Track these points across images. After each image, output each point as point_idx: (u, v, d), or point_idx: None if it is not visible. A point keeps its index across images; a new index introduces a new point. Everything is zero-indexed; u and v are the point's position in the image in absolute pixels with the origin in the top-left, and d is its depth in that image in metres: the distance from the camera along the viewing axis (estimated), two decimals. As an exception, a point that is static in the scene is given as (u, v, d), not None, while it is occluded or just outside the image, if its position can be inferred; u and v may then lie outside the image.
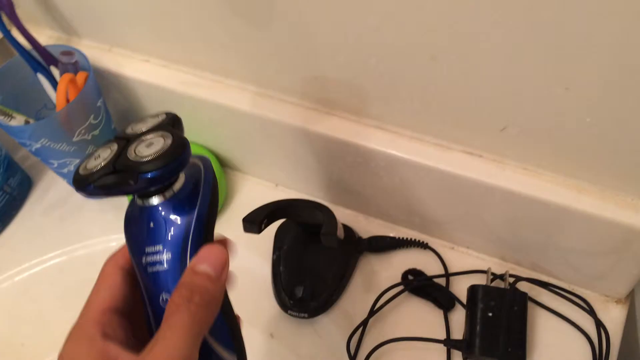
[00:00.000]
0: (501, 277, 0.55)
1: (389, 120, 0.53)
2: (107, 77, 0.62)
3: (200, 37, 0.55)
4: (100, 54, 0.62)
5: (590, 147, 0.45)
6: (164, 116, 0.36)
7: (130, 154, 0.31)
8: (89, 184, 0.31)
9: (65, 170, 0.61)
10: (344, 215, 0.64)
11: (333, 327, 0.56)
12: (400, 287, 0.56)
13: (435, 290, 0.56)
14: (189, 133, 0.65)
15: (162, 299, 0.33)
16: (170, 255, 0.33)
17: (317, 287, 0.56)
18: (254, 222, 0.48)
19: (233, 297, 0.53)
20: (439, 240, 0.61)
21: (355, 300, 0.58)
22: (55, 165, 0.60)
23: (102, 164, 0.32)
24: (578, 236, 0.51)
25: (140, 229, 0.33)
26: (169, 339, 0.28)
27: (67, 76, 0.56)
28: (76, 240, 0.65)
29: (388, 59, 0.46)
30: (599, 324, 0.53)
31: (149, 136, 0.32)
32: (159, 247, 0.33)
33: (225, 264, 0.32)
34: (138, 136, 0.33)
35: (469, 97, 0.46)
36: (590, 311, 0.54)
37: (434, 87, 0.47)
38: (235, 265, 0.60)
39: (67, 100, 0.56)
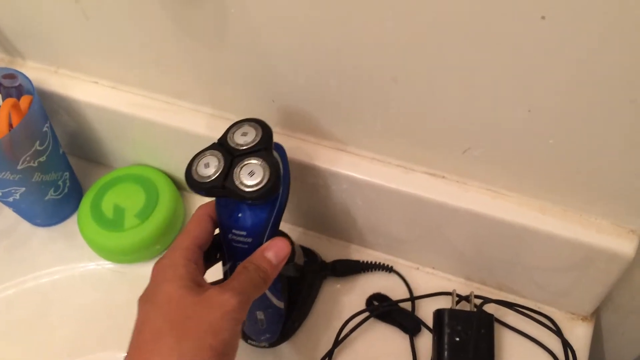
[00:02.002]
0: (467, 298, 0.54)
1: (351, 142, 0.51)
2: (54, 100, 0.59)
3: (151, 58, 0.52)
4: (46, 76, 0.59)
5: (553, 168, 0.44)
6: (259, 129, 0.43)
7: (236, 178, 0.41)
8: (201, 190, 0.42)
9: (10, 199, 0.58)
10: (306, 237, 0.62)
11: (297, 356, 0.54)
12: (365, 314, 0.55)
13: (401, 315, 0.55)
14: (141, 156, 0.63)
15: (237, 264, 0.42)
16: (250, 240, 0.43)
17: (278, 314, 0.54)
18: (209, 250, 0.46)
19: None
20: (404, 261, 0.60)
21: (319, 327, 0.56)
22: (0, 194, 0.57)
23: (213, 177, 0.41)
24: (543, 255, 0.50)
25: (229, 214, 0.43)
26: (232, 287, 0.39)
27: (10, 101, 0.53)
28: (25, 271, 0.61)
29: (348, 80, 0.45)
30: (566, 344, 0.52)
31: (252, 161, 0.41)
32: (243, 233, 0.43)
33: (286, 256, 0.43)
34: (240, 156, 0.42)
35: (431, 118, 0.45)
36: (557, 331, 0.53)
37: (395, 108, 0.45)
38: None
39: (10, 127, 0.53)
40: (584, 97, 0.37)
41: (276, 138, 0.53)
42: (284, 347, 0.55)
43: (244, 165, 0.41)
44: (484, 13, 0.35)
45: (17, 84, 0.55)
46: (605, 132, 0.39)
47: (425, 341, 0.54)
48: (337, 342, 0.53)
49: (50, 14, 0.53)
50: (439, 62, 0.40)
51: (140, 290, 0.59)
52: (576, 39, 0.34)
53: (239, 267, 0.41)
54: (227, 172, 0.41)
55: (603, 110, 0.38)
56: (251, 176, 0.40)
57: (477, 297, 0.55)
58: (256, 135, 0.43)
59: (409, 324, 0.54)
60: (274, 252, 0.42)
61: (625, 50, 0.34)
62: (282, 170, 0.44)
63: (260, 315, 0.49)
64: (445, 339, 0.50)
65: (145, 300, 0.40)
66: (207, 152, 0.43)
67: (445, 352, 0.49)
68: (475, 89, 0.40)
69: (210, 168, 0.42)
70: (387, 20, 0.39)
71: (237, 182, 0.40)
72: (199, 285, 0.39)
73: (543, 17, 0.33)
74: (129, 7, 0.48)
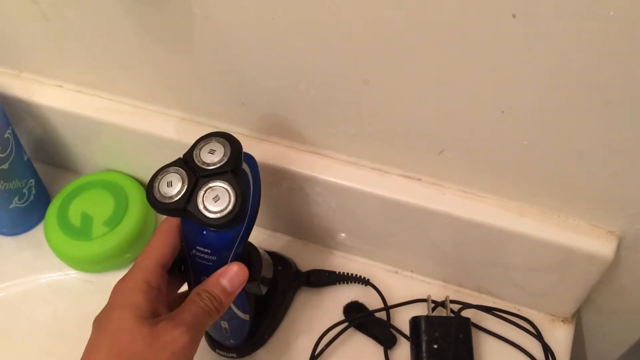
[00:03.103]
0: (442, 304, 0.53)
1: (324, 145, 0.50)
2: (17, 104, 0.57)
3: (117, 60, 0.51)
4: (8, 80, 0.57)
5: (529, 169, 0.43)
6: (227, 146, 0.40)
7: (200, 202, 0.38)
8: (162, 210, 0.39)
9: (-27, 208, 0.56)
10: (282, 242, 0.61)
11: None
12: (342, 326, 0.53)
13: (376, 326, 0.53)
14: (110, 162, 0.61)
15: (203, 278, 0.42)
16: (215, 258, 0.41)
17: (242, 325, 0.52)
18: (174, 264, 0.45)
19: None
20: (382, 265, 0.58)
21: (293, 338, 0.54)
22: (-39, 203, 0.55)
23: (175, 199, 0.38)
24: (521, 258, 0.49)
25: (193, 230, 0.41)
26: (184, 321, 0.38)
27: (-32, 107, 0.51)
28: (-10, 283, 0.59)
29: (318, 83, 0.43)
30: (546, 348, 0.51)
31: (217, 184, 0.38)
32: (207, 250, 0.41)
33: (242, 283, 0.41)
34: (206, 177, 0.39)
35: (404, 120, 0.44)
36: (537, 334, 0.52)
37: (367, 111, 0.44)
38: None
39: (-31, 133, 0.51)
40: (557, 97, 0.36)
41: (247, 141, 0.51)
42: (258, 357, 0.53)
43: (208, 189, 0.38)
44: (454, 12, 0.34)
45: (-24, 89, 0.53)
46: (580, 133, 0.38)
47: (403, 350, 0.53)
48: (314, 357, 0.52)
49: (9, 15, 0.51)
50: (410, 63, 0.39)
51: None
52: (548, 38, 0.33)
53: (193, 294, 0.40)
54: (191, 193, 0.38)
55: (577, 111, 0.37)
56: (215, 201, 0.38)
57: (454, 302, 0.54)
58: (224, 155, 0.40)
59: (383, 336, 0.53)
60: (229, 279, 0.40)
61: (599, 51, 0.33)
62: (251, 188, 0.42)
63: (224, 324, 0.48)
64: (424, 347, 0.49)
65: (98, 323, 0.39)
66: (171, 169, 0.40)
67: (424, 360, 0.48)
68: (448, 89, 0.39)
69: (173, 187, 0.39)
70: (356, 21, 0.37)
71: (200, 207, 0.38)
72: (155, 314, 0.38)
73: (514, 16, 0.32)
74: (88, 6, 0.46)
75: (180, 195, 0.38)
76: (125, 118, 0.54)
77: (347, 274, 0.57)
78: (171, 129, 0.53)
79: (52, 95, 0.56)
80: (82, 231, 0.56)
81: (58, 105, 0.56)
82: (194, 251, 0.42)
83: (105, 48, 0.50)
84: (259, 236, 0.61)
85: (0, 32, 0.54)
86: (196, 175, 0.39)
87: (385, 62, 0.39)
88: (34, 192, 0.60)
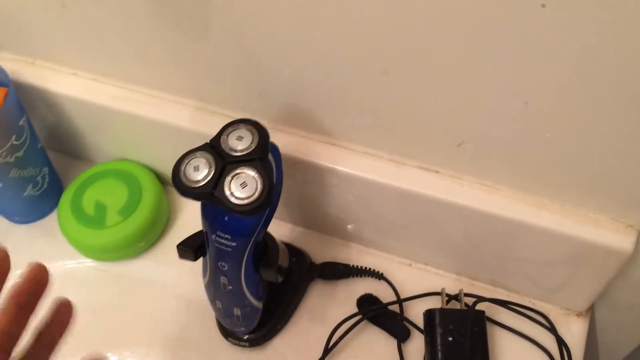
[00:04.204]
0: (456, 297, 0.53)
1: (341, 136, 0.50)
2: (32, 92, 0.57)
3: (132, 49, 0.50)
4: (23, 68, 0.57)
5: (549, 162, 0.43)
6: (255, 134, 0.40)
7: (227, 188, 0.38)
8: (188, 195, 0.39)
9: (-14, 196, 0.56)
10: (297, 234, 0.61)
11: (287, 355, 0.53)
12: (355, 319, 0.53)
13: (390, 319, 0.53)
14: (123, 151, 0.61)
15: (221, 264, 0.44)
16: (235, 244, 0.42)
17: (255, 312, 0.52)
18: (190, 248, 0.45)
19: (175, 323, 0.48)
20: (396, 257, 0.58)
21: (306, 329, 0.54)
22: (-25, 190, 0.55)
23: (202, 183, 0.38)
24: (538, 251, 0.49)
25: (215, 215, 0.42)
26: None
27: (-17, 94, 0.50)
28: (2, 271, 0.59)
29: (337, 72, 0.43)
30: (561, 342, 0.51)
31: (245, 171, 0.38)
32: (228, 236, 0.41)
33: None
34: (234, 163, 0.39)
35: (424, 111, 0.43)
36: (551, 328, 0.52)
37: (386, 101, 0.44)
38: (175, 290, 0.56)
39: (-16, 120, 0.51)
40: (583, 89, 0.36)
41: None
42: (269, 350, 0.53)
43: (236, 175, 0.38)
44: (481, 0, 0.33)
45: (-9, 76, 0.53)
46: (603, 126, 0.38)
47: (416, 342, 0.53)
48: (328, 350, 0.51)
49: (25, 2, 0.50)
50: (431, 53, 0.38)
51: (123, 289, 0.57)
52: (577, 29, 0.33)
53: None
54: (218, 179, 0.38)
55: (602, 104, 0.36)
56: (243, 188, 0.38)
57: (469, 295, 0.54)
58: (252, 142, 0.39)
59: (397, 328, 0.53)
60: None
61: (626, 43, 0.32)
62: (274, 177, 0.42)
63: (237, 311, 0.48)
64: (438, 340, 0.49)
65: None
66: (198, 153, 0.39)
67: (439, 353, 0.48)
68: (470, 80, 0.39)
69: (199, 172, 0.39)
70: (377, 9, 0.37)
71: (227, 193, 0.38)
72: None
73: (543, 5, 0.32)
74: (106, -6, 0.46)
75: (207, 180, 0.38)
76: (139, 107, 0.54)
77: (361, 267, 0.56)
78: (186, 118, 0.53)
79: (66, 83, 0.56)
80: (96, 220, 0.56)
81: (73, 93, 0.55)
82: (214, 236, 0.42)
83: (120, 36, 0.49)
84: (273, 227, 0.60)
85: (16, 19, 0.53)
86: (223, 160, 0.39)
87: (406, 52, 0.39)
88: (47, 180, 0.60)
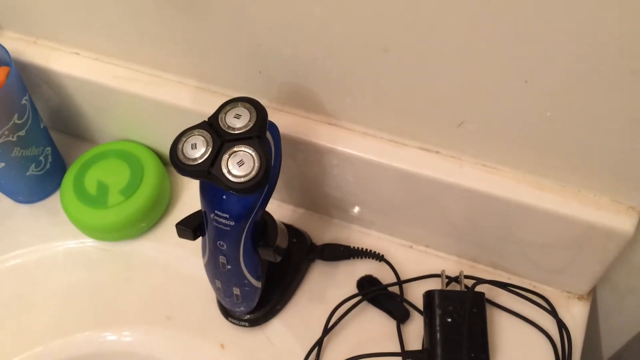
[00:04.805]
0: (456, 279, 0.53)
1: (341, 116, 0.49)
2: (33, 71, 0.57)
3: (133, 28, 0.50)
4: (25, 47, 0.57)
5: (550, 142, 0.42)
6: (253, 112, 0.40)
7: (224, 166, 0.38)
8: (185, 172, 0.39)
9: (-11, 175, 0.56)
10: (297, 215, 0.61)
11: (282, 338, 0.53)
12: (355, 300, 0.53)
13: (390, 300, 0.53)
14: (125, 131, 0.61)
15: (219, 243, 0.44)
16: (233, 223, 0.42)
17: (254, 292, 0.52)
18: (189, 228, 0.45)
19: (176, 303, 0.48)
20: (396, 239, 0.58)
21: (306, 309, 0.54)
22: (-22, 169, 0.55)
23: (199, 161, 0.38)
24: (539, 233, 0.49)
25: (214, 193, 0.41)
26: None
27: (-15, 72, 0.51)
28: (5, 250, 0.60)
29: (336, 51, 0.43)
30: (561, 325, 0.51)
31: (242, 149, 0.38)
32: (226, 215, 0.41)
33: None
34: (231, 141, 0.39)
35: (424, 91, 0.43)
36: (552, 311, 0.52)
37: (386, 80, 0.43)
38: (176, 270, 0.57)
39: (-14, 99, 0.51)
40: (583, 67, 0.36)
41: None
42: (269, 330, 0.54)
43: (233, 153, 0.38)
44: (479, -24, 0.33)
45: (-8, 55, 0.53)
46: (605, 104, 0.38)
47: (415, 324, 0.53)
48: (327, 330, 0.52)
49: (26, -19, 0.50)
50: (432, 30, 0.38)
51: (124, 268, 0.58)
52: (575, 4, 0.32)
53: None
54: (215, 157, 0.38)
55: (603, 81, 0.36)
56: (240, 166, 0.38)
57: (468, 277, 0.54)
58: (249, 120, 0.39)
59: (396, 310, 0.53)
60: None
61: (626, 19, 0.32)
62: (272, 156, 0.42)
63: (236, 290, 0.48)
64: (437, 321, 0.49)
65: None
66: (196, 131, 0.39)
67: (438, 334, 0.48)
68: (470, 58, 0.38)
69: (197, 150, 0.39)
70: (377, -15, 0.36)
71: (224, 170, 0.38)
72: None
73: (543, -20, 0.31)
74: (107, -28, 0.45)
75: (204, 158, 0.38)
76: (141, 86, 0.54)
77: (361, 249, 0.56)
78: (187, 98, 0.53)
79: (68, 62, 0.56)
80: (98, 199, 0.56)
81: (74, 72, 0.55)
82: (212, 215, 0.42)
83: (122, 15, 0.49)
84: (274, 209, 0.60)
85: (17, -2, 0.53)
86: (221, 139, 0.39)
87: (406, 30, 0.39)
88: (50, 160, 0.60)
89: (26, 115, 0.54)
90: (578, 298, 0.54)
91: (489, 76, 0.39)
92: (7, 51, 0.53)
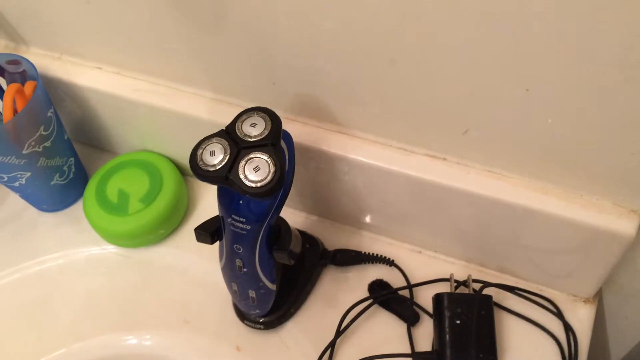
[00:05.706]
0: (465, 283, 0.54)
1: (351, 125, 0.51)
2: (58, 86, 0.60)
3: (153, 43, 0.53)
4: (50, 62, 0.60)
5: (552, 148, 0.44)
6: (268, 121, 0.42)
7: (241, 172, 0.40)
8: (204, 178, 0.41)
9: (16, 184, 0.59)
10: (309, 222, 0.63)
11: (295, 341, 0.55)
12: (366, 303, 0.55)
13: (400, 304, 0.55)
14: (145, 142, 0.64)
15: (236, 247, 0.46)
16: (249, 227, 0.44)
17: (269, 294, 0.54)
18: (207, 232, 0.47)
19: (194, 306, 0.51)
20: (407, 245, 0.60)
21: (320, 313, 0.56)
22: (6, 179, 0.57)
23: (218, 167, 0.40)
24: (544, 237, 0.50)
25: (231, 199, 0.44)
26: None
27: (14, 86, 0.53)
28: (30, 256, 0.62)
29: (345, 63, 0.45)
30: (567, 327, 0.52)
31: (258, 156, 0.40)
32: (242, 219, 0.43)
33: None
34: (247, 148, 0.41)
35: (430, 100, 0.45)
36: (558, 314, 0.53)
37: (394, 90, 0.45)
38: (193, 276, 0.58)
39: (15, 112, 0.54)
40: (581, 75, 0.37)
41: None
42: (283, 333, 0.55)
43: (249, 159, 0.40)
44: (480, -10, 0.35)
45: (21, 70, 0.56)
46: (602, 110, 0.39)
47: (426, 327, 0.54)
48: (339, 332, 0.53)
49: (52, 1, 0.53)
50: (437, 42, 0.40)
51: (144, 274, 0.60)
52: (575, 16, 0.34)
53: None
54: (232, 163, 0.40)
55: (599, 89, 0.38)
56: (256, 172, 0.40)
57: (476, 281, 0.55)
58: (265, 128, 0.42)
59: (407, 312, 0.54)
60: None
61: (620, 30, 0.34)
62: (287, 162, 0.44)
63: (252, 293, 0.50)
64: (446, 323, 0.50)
65: None
66: (214, 139, 0.42)
67: (447, 336, 0.50)
68: (474, 68, 0.40)
69: (215, 157, 0.41)
70: (385, 1, 0.38)
71: (241, 176, 0.40)
72: None
73: (539, -7, 0.33)
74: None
75: (222, 165, 0.40)
76: (160, 99, 0.57)
77: (372, 254, 0.58)
78: (203, 110, 0.55)
79: (91, 76, 0.59)
80: (119, 207, 0.59)
81: (97, 86, 0.58)
82: (229, 219, 0.44)
83: (141, 30, 0.52)
84: (288, 216, 0.62)
85: (43, 17, 0.56)
86: (238, 146, 0.41)
87: (412, 41, 0.40)
88: (73, 170, 0.63)
89: (51, 127, 0.57)
90: (584, 301, 0.55)
91: (491, 85, 0.41)
92: (34, 66, 0.56)
